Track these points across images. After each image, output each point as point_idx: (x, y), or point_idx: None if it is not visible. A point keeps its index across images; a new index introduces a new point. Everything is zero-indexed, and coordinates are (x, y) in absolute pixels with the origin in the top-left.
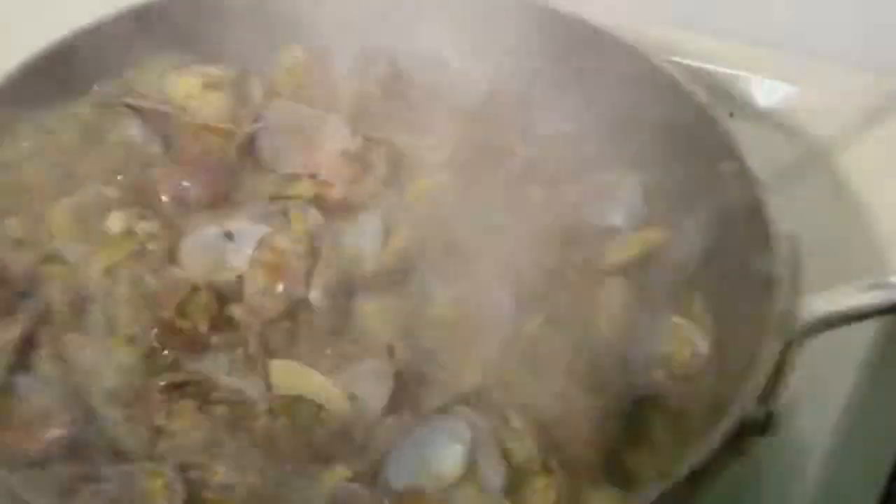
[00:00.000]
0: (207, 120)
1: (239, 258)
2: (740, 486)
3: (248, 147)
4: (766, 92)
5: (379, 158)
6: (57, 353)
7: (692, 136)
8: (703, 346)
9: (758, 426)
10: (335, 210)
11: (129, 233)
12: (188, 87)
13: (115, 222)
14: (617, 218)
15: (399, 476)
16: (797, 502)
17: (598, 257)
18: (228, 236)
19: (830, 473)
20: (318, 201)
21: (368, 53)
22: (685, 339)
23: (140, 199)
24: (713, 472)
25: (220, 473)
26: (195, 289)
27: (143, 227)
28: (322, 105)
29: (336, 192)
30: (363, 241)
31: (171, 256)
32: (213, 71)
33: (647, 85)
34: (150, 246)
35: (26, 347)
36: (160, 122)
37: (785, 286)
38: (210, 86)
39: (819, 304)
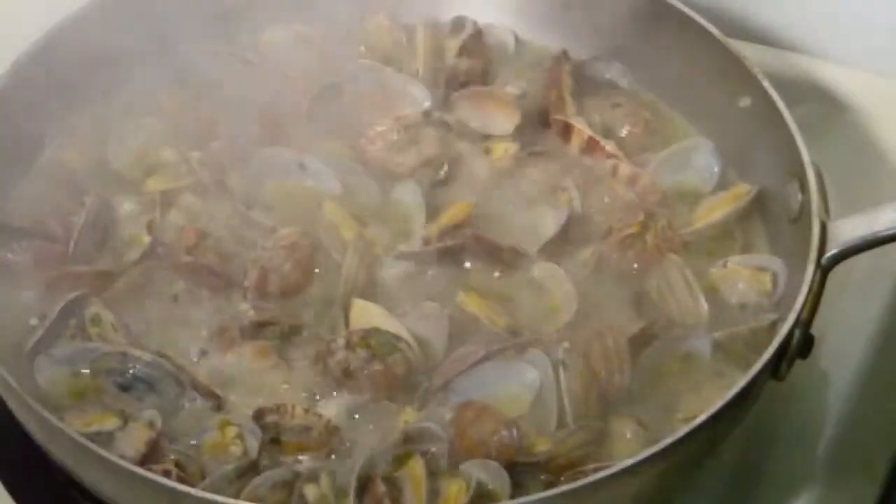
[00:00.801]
0: (292, 71)
1: (315, 188)
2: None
3: (326, 99)
4: None
5: (431, 135)
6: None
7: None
8: (768, 282)
9: (798, 349)
10: (371, 170)
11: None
12: (278, 40)
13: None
14: (697, 180)
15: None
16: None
17: (684, 222)
18: (302, 167)
19: (851, 413)
20: (358, 157)
21: (454, 21)
22: (757, 277)
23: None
24: (754, 396)
25: (298, 415)
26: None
27: (195, 156)
28: (402, 69)
29: (373, 152)
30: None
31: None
32: (303, 27)
33: (707, 55)
34: (203, 176)
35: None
36: (250, 71)
37: (817, 212)
38: (299, 40)
39: (851, 227)
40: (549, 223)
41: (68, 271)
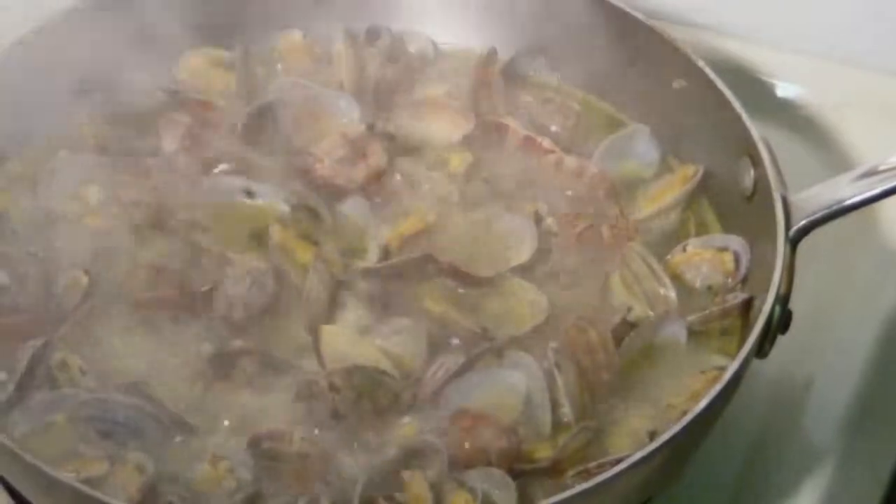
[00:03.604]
0: (215, 97)
1: (263, 211)
2: None
3: (257, 121)
4: None
5: (377, 148)
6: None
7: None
8: (730, 261)
9: (779, 325)
10: (320, 188)
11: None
12: (195, 67)
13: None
14: (639, 167)
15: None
16: None
17: (634, 210)
18: (248, 191)
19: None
20: (306, 176)
21: (370, 30)
22: (720, 257)
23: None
24: (742, 376)
25: (297, 442)
26: None
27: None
28: (325, 83)
29: (322, 170)
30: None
31: (159, 223)
32: (218, 52)
33: (634, 40)
34: (136, 215)
35: None
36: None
37: (776, 187)
38: (216, 65)
39: (814, 198)
40: (522, 240)
41: (10, 322)
